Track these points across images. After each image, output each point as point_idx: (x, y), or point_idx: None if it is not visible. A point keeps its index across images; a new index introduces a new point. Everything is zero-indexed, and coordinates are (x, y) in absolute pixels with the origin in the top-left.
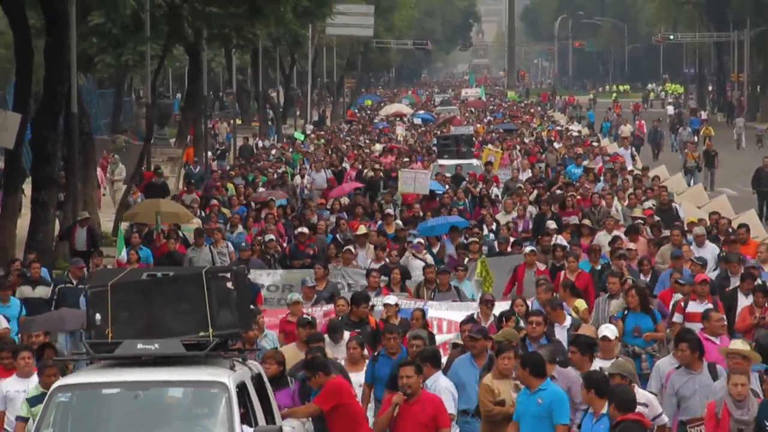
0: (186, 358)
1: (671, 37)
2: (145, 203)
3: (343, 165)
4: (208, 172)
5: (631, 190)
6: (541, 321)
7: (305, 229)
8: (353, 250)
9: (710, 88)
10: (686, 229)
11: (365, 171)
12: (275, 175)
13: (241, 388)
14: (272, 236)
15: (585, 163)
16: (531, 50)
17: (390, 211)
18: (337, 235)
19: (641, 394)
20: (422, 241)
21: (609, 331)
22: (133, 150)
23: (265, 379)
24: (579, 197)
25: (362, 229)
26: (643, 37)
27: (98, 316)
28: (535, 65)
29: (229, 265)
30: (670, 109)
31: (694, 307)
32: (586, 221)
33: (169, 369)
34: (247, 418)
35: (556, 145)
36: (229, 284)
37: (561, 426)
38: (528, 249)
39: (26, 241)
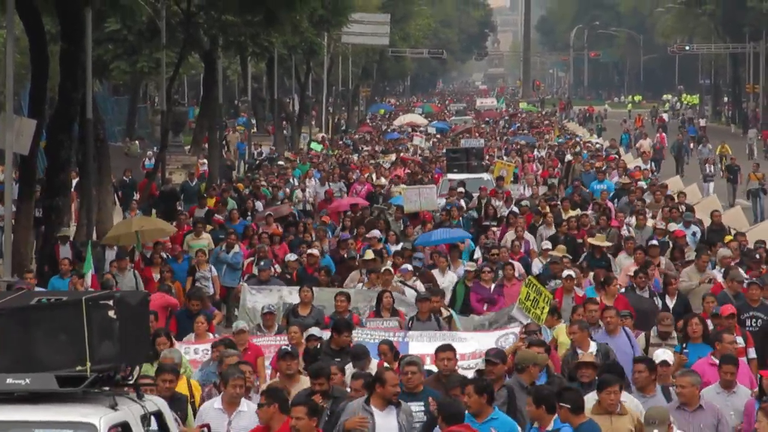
0: (62, 395)
1: (687, 48)
2: (122, 223)
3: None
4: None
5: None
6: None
7: (315, 251)
8: (392, 271)
9: (725, 99)
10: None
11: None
12: (271, 188)
13: (124, 429)
14: (294, 256)
15: (615, 179)
16: (546, 60)
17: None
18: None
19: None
20: (410, 267)
21: (667, 355)
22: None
23: (168, 418)
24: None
25: (369, 254)
26: (659, 48)
27: None
28: (551, 75)
29: (112, 291)
30: (665, 117)
31: None
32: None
33: (40, 407)
34: None
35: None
36: (111, 313)
37: None
38: (566, 274)
39: (38, 248)
